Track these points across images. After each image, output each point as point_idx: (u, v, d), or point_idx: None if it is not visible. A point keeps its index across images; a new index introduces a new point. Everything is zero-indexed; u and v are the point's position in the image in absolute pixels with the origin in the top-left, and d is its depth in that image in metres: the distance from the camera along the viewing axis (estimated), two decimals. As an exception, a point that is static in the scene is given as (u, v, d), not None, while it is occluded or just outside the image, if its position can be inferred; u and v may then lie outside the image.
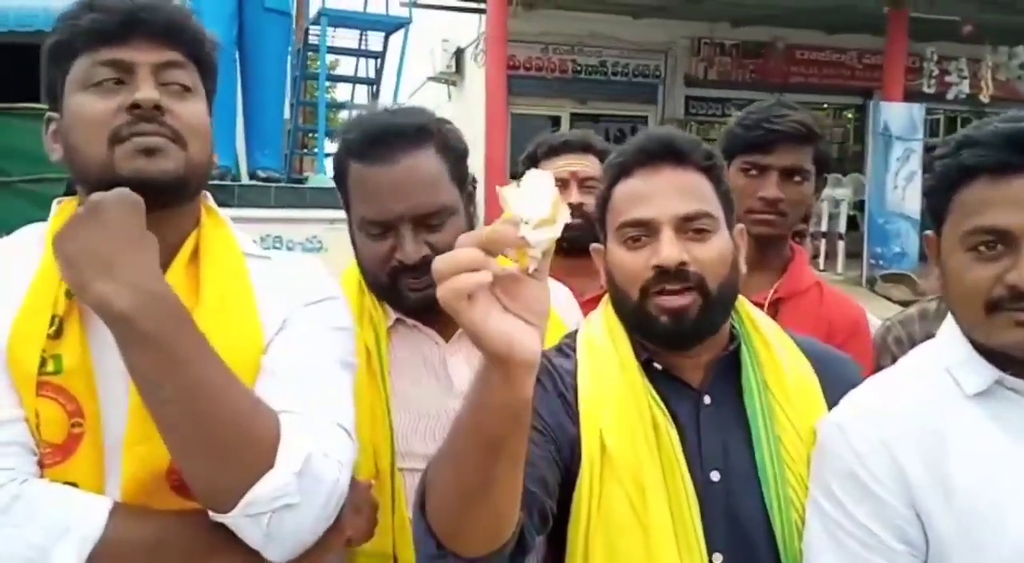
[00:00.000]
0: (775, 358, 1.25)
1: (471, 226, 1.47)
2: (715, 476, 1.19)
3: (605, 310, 1.30)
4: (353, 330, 1.25)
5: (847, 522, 1.10)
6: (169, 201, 1.09)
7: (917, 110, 11.87)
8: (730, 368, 1.25)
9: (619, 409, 1.18)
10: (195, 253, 1.14)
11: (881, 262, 11.27)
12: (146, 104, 1.06)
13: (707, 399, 1.23)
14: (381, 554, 1.37)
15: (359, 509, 1.16)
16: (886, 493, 1.09)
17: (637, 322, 1.22)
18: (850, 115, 15.93)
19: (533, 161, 2.25)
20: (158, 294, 0.97)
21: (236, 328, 1.09)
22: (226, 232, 1.19)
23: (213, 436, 0.97)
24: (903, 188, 11.66)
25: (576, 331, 1.32)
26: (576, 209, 2.13)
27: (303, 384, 1.08)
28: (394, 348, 1.47)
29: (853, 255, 11.94)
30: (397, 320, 1.49)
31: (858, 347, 1.77)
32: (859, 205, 12.24)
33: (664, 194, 1.20)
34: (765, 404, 1.21)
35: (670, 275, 1.17)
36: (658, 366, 1.24)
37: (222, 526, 1.00)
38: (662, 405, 1.19)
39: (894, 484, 1.09)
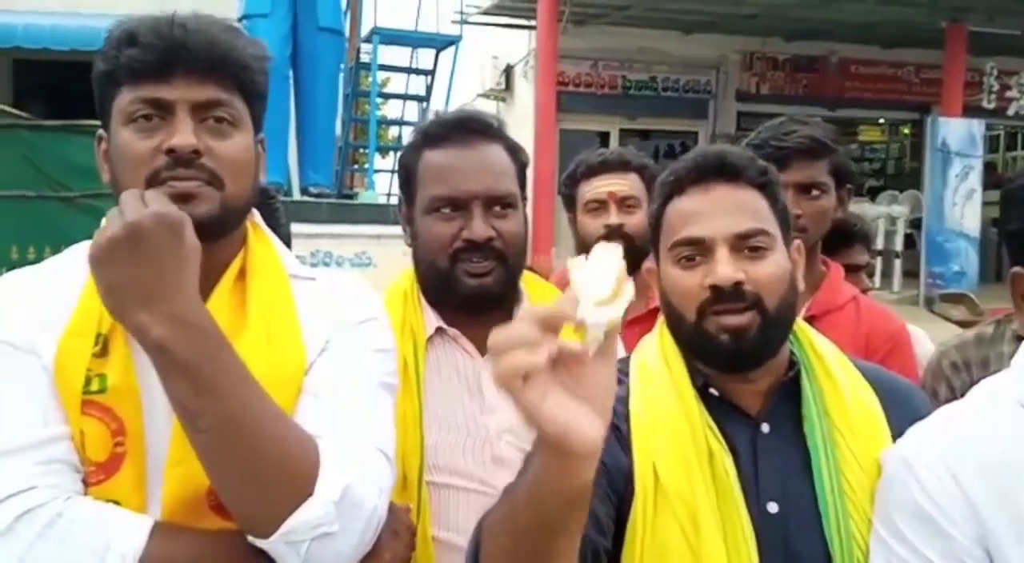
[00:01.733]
0: (837, 386, 1.21)
1: (527, 233, 1.52)
2: (772, 507, 1.14)
3: (660, 334, 1.27)
4: (395, 351, 1.24)
5: (914, 559, 1.05)
6: (205, 239, 1.07)
7: (976, 126, 11.60)
8: (789, 395, 1.20)
9: (673, 437, 1.15)
10: (241, 273, 1.14)
11: (939, 281, 11.00)
12: (182, 150, 1.05)
13: (765, 427, 1.19)
14: None
15: (397, 533, 1.15)
16: (955, 530, 1.04)
17: (695, 344, 1.19)
18: (907, 130, 15.63)
19: (573, 181, 2.25)
20: (195, 324, 0.97)
21: (280, 349, 1.09)
22: (272, 253, 1.19)
23: (251, 465, 0.97)
24: (962, 206, 11.38)
25: (628, 356, 1.29)
26: (616, 230, 2.12)
27: (344, 407, 1.08)
28: (429, 359, 1.47)
29: (910, 274, 11.67)
30: (437, 331, 1.49)
31: (900, 362, 1.72)
32: (916, 223, 11.97)
33: (718, 212, 1.18)
34: (826, 434, 1.17)
35: (726, 294, 1.14)
36: (715, 391, 1.20)
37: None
38: (718, 433, 1.16)
39: (964, 521, 1.04)
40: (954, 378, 1.76)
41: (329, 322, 1.15)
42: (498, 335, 0.75)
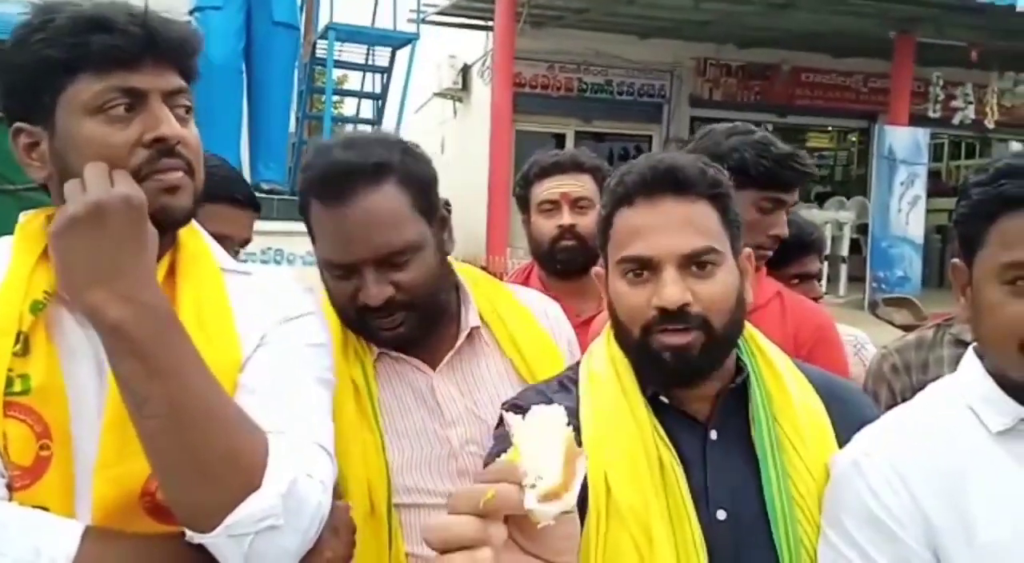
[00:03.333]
0: (785, 390, 1.20)
1: (444, 256, 1.43)
2: (721, 515, 1.14)
3: (608, 341, 1.25)
4: (330, 345, 1.22)
5: None
6: (169, 231, 1.06)
7: (922, 134, 11.90)
8: (738, 401, 1.20)
9: (624, 448, 1.14)
10: (172, 268, 1.11)
11: (883, 286, 11.26)
12: (172, 140, 1.03)
13: (713, 434, 1.18)
14: None
15: (337, 531, 1.13)
16: (904, 533, 1.04)
17: (639, 359, 1.18)
18: (854, 138, 15.96)
19: (526, 182, 2.25)
20: (151, 306, 0.95)
21: (213, 345, 1.06)
22: (204, 247, 1.17)
23: (199, 454, 0.94)
24: (907, 212, 11.67)
25: (578, 363, 1.28)
26: (569, 230, 2.13)
27: (282, 403, 1.06)
28: (381, 380, 1.43)
29: (855, 278, 11.93)
30: (381, 352, 1.45)
31: (825, 353, 1.72)
32: (862, 228, 12.24)
33: (666, 229, 1.14)
34: (775, 439, 1.16)
35: (672, 315, 1.13)
36: (664, 399, 1.19)
37: (199, 547, 0.96)
38: (668, 442, 1.15)
39: (912, 524, 1.04)
40: (895, 381, 1.79)
41: (263, 317, 1.13)
42: (435, 532, 0.70)
